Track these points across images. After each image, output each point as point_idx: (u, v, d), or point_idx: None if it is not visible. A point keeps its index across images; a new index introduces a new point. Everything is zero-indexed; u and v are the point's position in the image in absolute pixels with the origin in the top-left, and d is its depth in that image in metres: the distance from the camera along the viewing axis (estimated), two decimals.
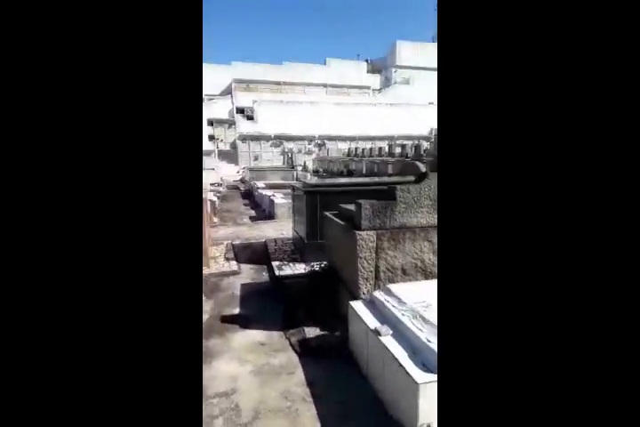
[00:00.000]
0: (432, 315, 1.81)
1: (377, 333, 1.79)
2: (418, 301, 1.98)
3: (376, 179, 4.62)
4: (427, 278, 2.55)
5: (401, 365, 1.57)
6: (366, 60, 32.57)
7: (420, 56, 29.96)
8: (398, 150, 11.15)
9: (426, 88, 25.34)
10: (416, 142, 11.34)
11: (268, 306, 2.63)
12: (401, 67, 30.71)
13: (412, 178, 3.60)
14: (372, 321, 1.93)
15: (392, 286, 2.16)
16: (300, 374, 1.92)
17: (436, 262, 2.54)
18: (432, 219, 2.40)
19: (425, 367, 1.54)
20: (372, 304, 2.09)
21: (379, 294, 2.12)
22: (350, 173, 9.96)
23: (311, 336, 2.25)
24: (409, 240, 2.36)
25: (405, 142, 12.27)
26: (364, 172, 9.22)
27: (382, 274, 2.34)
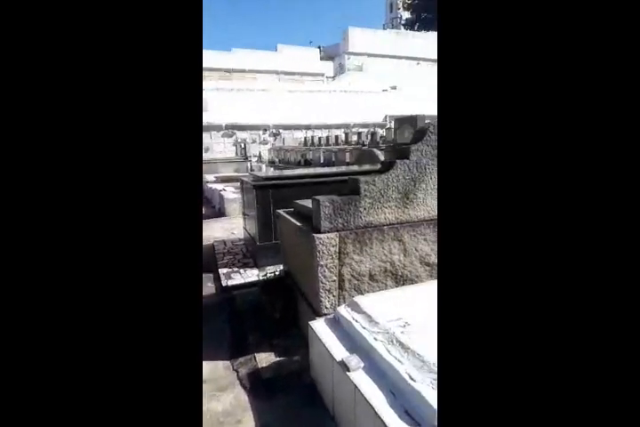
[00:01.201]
0: (412, 338, 1.45)
1: (345, 366, 1.40)
2: (392, 318, 1.62)
3: (335, 169, 4.23)
4: (397, 283, 2.21)
5: (377, 414, 1.19)
6: (319, 47, 31.90)
7: (371, 43, 29.78)
8: (355, 138, 10.85)
9: (379, 75, 25.25)
10: (372, 130, 11.10)
11: (213, 327, 2.18)
12: (354, 53, 30.41)
13: (375, 167, 3.24)
14: (338, 349, 1.54)
15: (360, 300, 1.78)
16: (249, 422, 1.51)
17: (407, 264, 2.20)
18: (401, 214, 2.04)
19: (409, 417, 1.17)
20: (337, 324, 1.71)
21: (345, 311, 1.74)
22: (308, 163, 9.56)
23: (264, 365, 1.83)
24: (376, 241, 1.99)
25: (361, 130, 12.00)
26: (321, 161, 8.86)
27: (347, 283, 1.96)
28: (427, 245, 2.19)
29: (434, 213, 2.14)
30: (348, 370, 1.38)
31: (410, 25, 39.04)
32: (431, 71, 22.71)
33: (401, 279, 2.20)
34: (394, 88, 20.86)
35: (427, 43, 26.86)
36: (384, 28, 32.00)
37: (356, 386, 1.32)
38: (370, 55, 29.15)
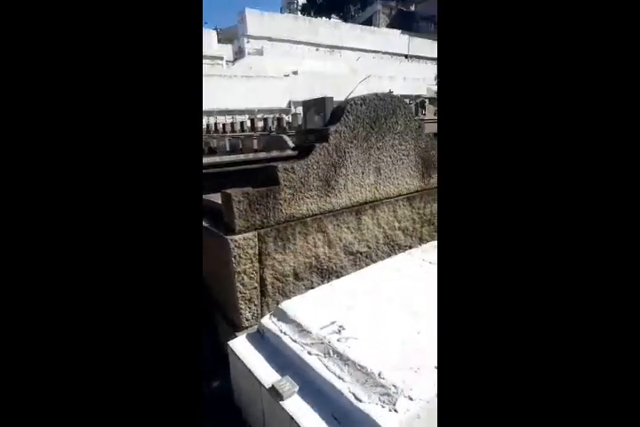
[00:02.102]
0: (351, 346, 1.26)
1: (277, 393, 1.16)
2: (326, 323, 1.42)
3: (243, 157, 3.86)
4: (324, 278, 2.02)
5: None
6: (215, 29, 30.01)
7: (270, 27, 28.95)
8: (261, 124, 10.42)
9: (280, 60, 24.74)
10: (277, 116, 10.77)
11: None
12: (253, 37, 29.26)
13: (284, 153, 2.99)
14: (266, 371, 1.29)
15: (287, 306, 1.54)
16: None
17: (332, 256, 2.02)
18: (323, 203, 1.84)
19: None
20: (263, 339, 1.45)
21: (270, 322, 1.48)
22: (212, 152, 8.89)
23: None
24: (300, 235, 1.76)
25: (267, 116, 11.58)
26: (227, 149, 8.30)
27: (270, 287, 1.70)
28: (350, 234, 2.03)
29: (355, 199, 1.98)
30: (281, 398, 1.14)
31: (306, 10, 38.87)
32: (330, 57, 22.94)
33: (327, 273, 2.02)
34: (295, 73, 20.62)
35: (324, 29, 27.02)
36: (281, 12, 31.30)
37: (292, 417, 1.09)
38: (270, 39, 28.34)
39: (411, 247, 2.54)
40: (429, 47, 24.98)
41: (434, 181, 2.48)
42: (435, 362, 1.19)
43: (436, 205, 2.60)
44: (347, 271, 2.11)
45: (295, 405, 1.13)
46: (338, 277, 2.06)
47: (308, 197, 1.75)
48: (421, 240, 2.60)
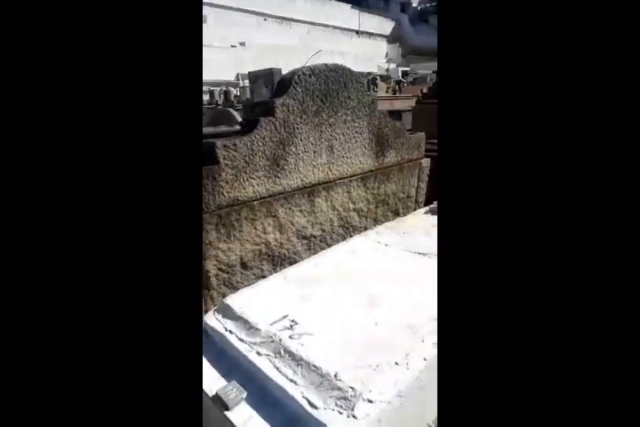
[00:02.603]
0: (304, 343, 1.15)
1: (221, 403, 1.02)
2: (276, 318, 1.29)
3: None
4: (275, 266, 1.88)
5: None
6: None
7: None
8: (207, 98, 9.78)
9: (226, 29, 23.24)
10: (224, 88, 10.14)
11: None
12: None
13: (233, 128, 2.74)
14: (209, 376, 1.14)
15: (233, 300, 1.39)
16: None
17: (284, 242, 1.88)
18: (272, 185, 1.67)
19: None
20: (206, 340, 1.29)
21: (214, 320, 1.33)
22: None
23: None
24: (247, 221, 1.59)
25: (213, 89, 10.87)
26: None
27: (214, 280, 1.54)
28: (302, 217, 1.90)
29: (307, 179, 1.83)
30: (227, 407, 1.01)
31: None
32: (279, 29, 21.91)
33: (278, 260, 1.88)
34: (243, 44, 19.51)
35: None
36: None
37: None
38: (213, 5, 26.42)
39: (366, 229, 2.46)
40: (379, 24, 24.70)
41: (388, 160, 2.39)
42: (395, 358, 1.11)
43: (390, 185, 2.52)
44: (300, 257, 1.98)
45: (242, 415, 1.00)
46: (291, 263, 1.93)
47: (254, 179, 1.57)
48: (376, 221, 2.53)
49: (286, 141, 1.65)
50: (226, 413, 1.01)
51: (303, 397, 0.99)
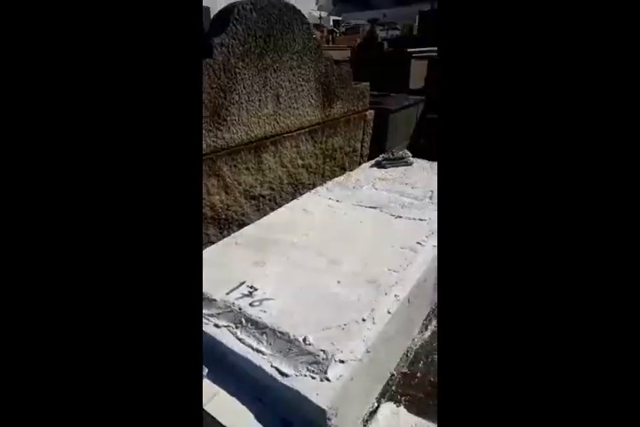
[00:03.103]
0: (267, 310, 1.07)
1: None
2: (232, 286, 1.19)
3: None
4: (222, 230, 1.75)
5: None
6: None
7: None
8: None
9: None
10: None
11: None
12: None
13: None
14: None
15: None
16: None
17: (230, 203, 1.73)
18: (214, 139, 1.48)
19: None
20: None
21: None
22: None
23: None
24: None
25: None
26: None
27: None
28: (250, 176, 1.75)
29: (253, 133, 1.66)
30: None
31: None
32: None
33: (226, 224, 1.74)
34: None
35: None
36: None
37: (205, 410, 0.89)
38: None
39: (314, 185, 2.37)
40: None
41: (335, 111, 2.26)
42: (362, 314, 1.08)
43: (337, 138, 2.42)
44: (249, 218, 1.85)
45: (206, 393, 0.92)
46: (240, 226, 1.80)
47: None
48: (324, 177, 2.44)
49: (227, 88, 1.45)
50: None
51: (272, 366, 0.93)
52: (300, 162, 2.07)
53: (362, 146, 2.81)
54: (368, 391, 1.10)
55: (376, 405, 1.10)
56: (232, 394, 0.93)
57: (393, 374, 1.22)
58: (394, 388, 1.17)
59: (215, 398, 0.91)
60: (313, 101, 2.01)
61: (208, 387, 0.93)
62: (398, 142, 3.28)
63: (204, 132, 1.41)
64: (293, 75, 1.80)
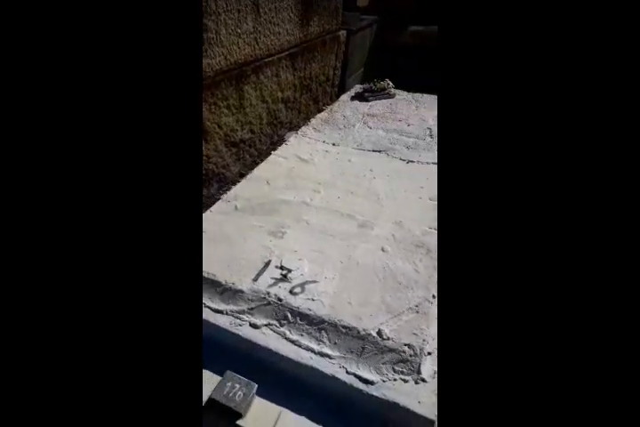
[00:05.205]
0: (315, 296, 0.83)
1: (226, 412, 0.70)
2: (257, 268, 0.91)
3: None
4: (203, 187, 1.39)
5: None
6: None
7: None
8: None
9: None
10: None
11: None
12: None
13: None
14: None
15: None
16: None
17: (211, 153, 1.37)
18: None
19: None
20: None
21: None
22: None
23: None
24: None
25: None
26: None
27: None
28: (230, 116, 1.36)
29: (232, 57, 1.24)
30: (238, 415, 0.69)
31: None
32: None
33: (206, 180, 1.39)
34: None
35: None
36: None
37: None
38: None
39: (291, 123, 2.01)
40: None
41: (312, 29, 1.83)
42: (430, 290, 0.89)
43: (314, 65, 2.01)
44: (230, 170, 1.50)
45: (268, 413, 0.70)
46: (220, 181, 1.45)
47: None
48: (300, 113, 2.08)
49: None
50: (240, 423, 0.69)
51: (348, 373, 0.72)
52: (279, 95, 1.68)
53: (334, 73, 2.43)
54: None
55: None
56: (299, 413, 0.72)
57: None
58: None
59: (280, 422, 0.70)
60: (293, 15, 1.57)
61: (264, 408, 0.71)
62: (353, 71, 2.88)
63: None
64: None
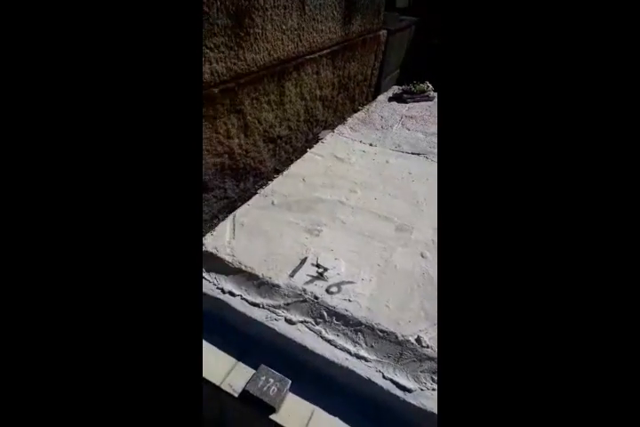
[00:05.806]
0: (352, 296, 0.82)
1: (259, 404, 0.69)
2: (293, 265, 0.90)
3: None
4: (239, 181, 1.40)
5: None
6: None
7: None
8: None
9: None
10: None
11: None
12: None
13: None
14: (220, 365, 0.77)
15: (209, 243, 0.94)
16: None
17: (249, 148, 1.37)
18: (235, 61, 1.07)
19: None
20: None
21: None
22: None
23: None
24: (206, 122, 1.02)
25: None
26: None
27: None
28: (270, 112, 1.36)
29: (276, 53, 1.24)
30: (271, 409, 0.68)
31: None
32: None
33: (243, 174, 1.39)
34: None
35: None
36: None
37: None
38: None
39: (326, 122, 2.00)
40: None
41: (354, 28, 1.82)
42: None
43: (354, 64, 2.00)
44: (265, 166, 1.51)
45: (300, 412, 0.69)
46: (256, 176, 1.46)
47: (211, 49, 0.94)
48: (336, 112, 2.07)
49: None
50: (273, 417, 0.69)
51: (385, 378, 0.70)
52: (318, 93, 1.68)
53: (372, 73, 2.41)
54: None
55: None
56: (333, 413, 0.70)
57: None
58: None
59: (313, 420, 0.69)
60: (336, 13, 1.56)
61: (298, 405, 0.70)
62: (389, 73, 2.83)
63: (223, 49, 0.98)
64: None
